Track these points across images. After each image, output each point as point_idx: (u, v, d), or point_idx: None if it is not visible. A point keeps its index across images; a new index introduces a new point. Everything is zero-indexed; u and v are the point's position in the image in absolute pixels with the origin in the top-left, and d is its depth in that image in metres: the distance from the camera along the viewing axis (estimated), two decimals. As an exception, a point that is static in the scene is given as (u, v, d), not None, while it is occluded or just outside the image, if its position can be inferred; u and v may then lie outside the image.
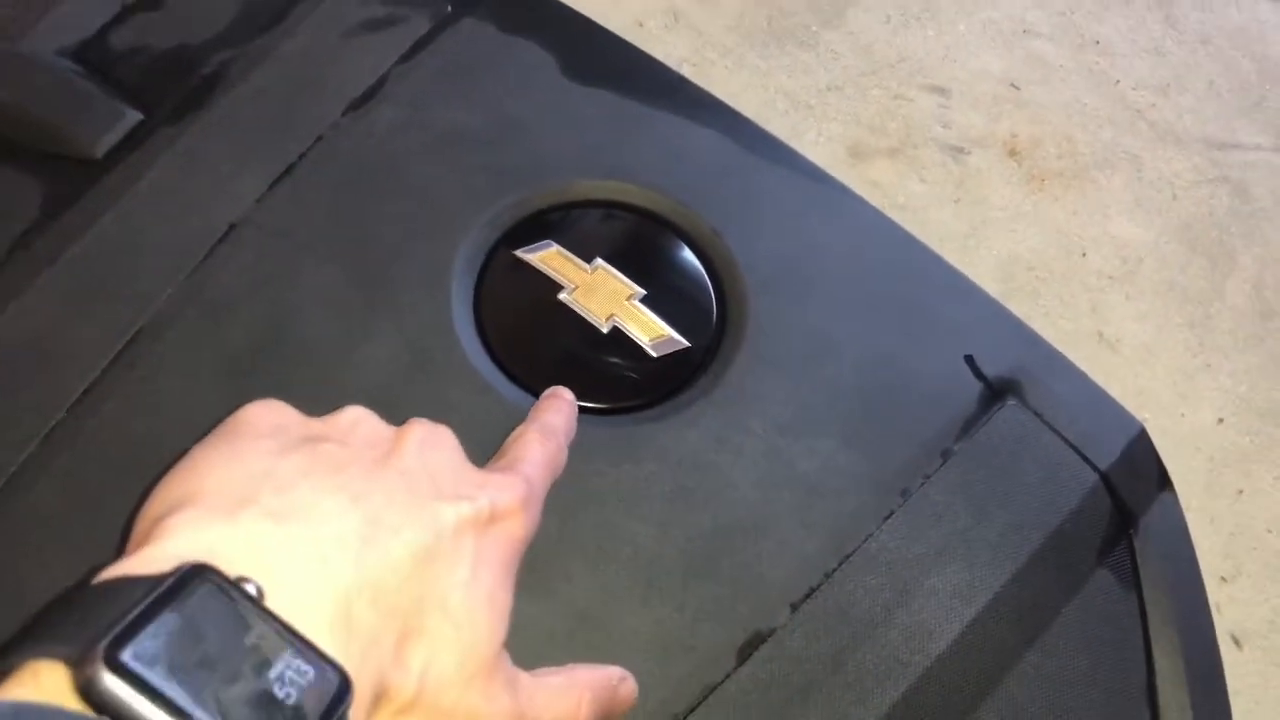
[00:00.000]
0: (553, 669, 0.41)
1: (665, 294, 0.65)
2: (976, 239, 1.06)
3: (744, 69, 1.13)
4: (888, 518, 0.59)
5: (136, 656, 0.27)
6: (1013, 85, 1.17)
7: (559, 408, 0.52)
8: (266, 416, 0.39)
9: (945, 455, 0.62)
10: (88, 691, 0.26)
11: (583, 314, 0.63)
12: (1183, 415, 0.96)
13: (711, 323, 0.65)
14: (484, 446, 0.58)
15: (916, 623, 0.57)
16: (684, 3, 1.20)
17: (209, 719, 0.26)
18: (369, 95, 0.69)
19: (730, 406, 0.61)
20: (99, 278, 0.62)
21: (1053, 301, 1.04)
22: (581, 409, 0.60)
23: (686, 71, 0.74)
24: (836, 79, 1.14)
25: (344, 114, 0.68)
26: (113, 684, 0.26)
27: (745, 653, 0.55)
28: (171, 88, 0.70)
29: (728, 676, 0.54)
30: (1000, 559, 0.59)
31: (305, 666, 0.29)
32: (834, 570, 0.57)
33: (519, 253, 0.65)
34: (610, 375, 0.62)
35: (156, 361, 0.59)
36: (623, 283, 0.64)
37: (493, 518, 0.38)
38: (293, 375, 0.60)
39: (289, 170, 0.65)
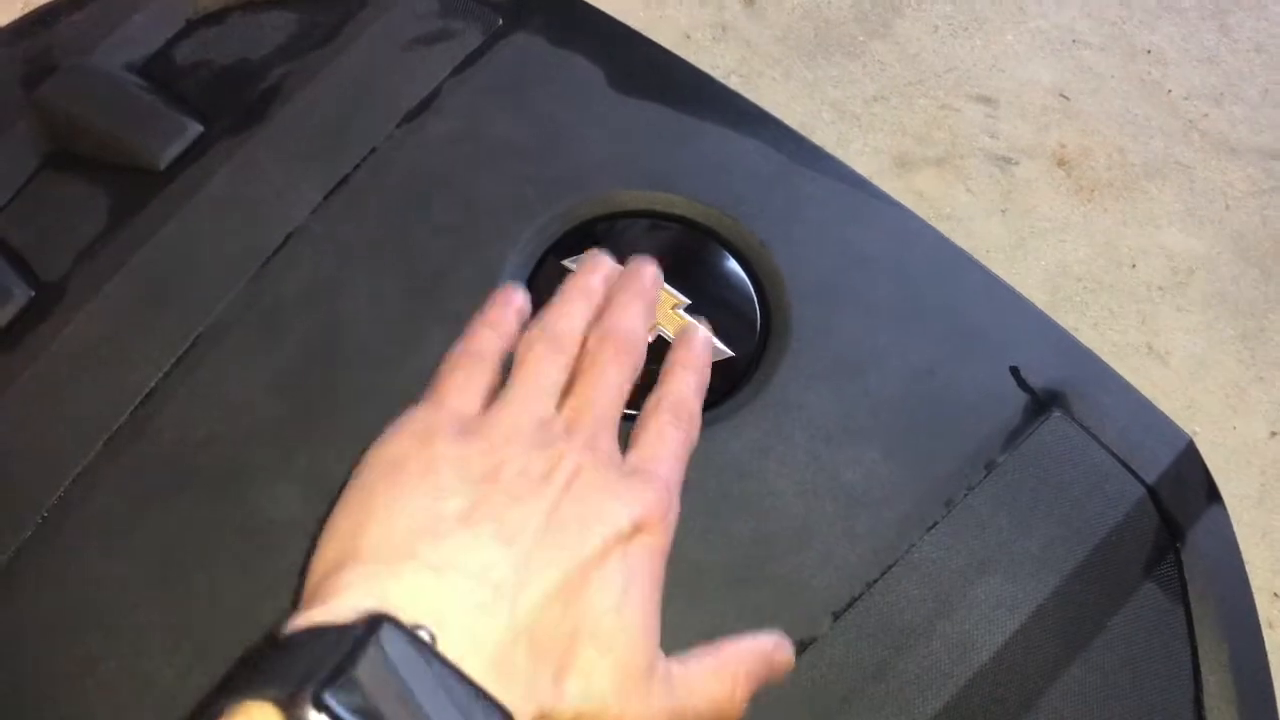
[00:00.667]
0: (703, 648, 0.42)
1: (710, 303, 0.65)
2: (1024, 250, 1.05)
3: (791, 80, 1.14)
4: (931, 528, 0.59)
5: (340, 699, 0.29)
6: (1062, 95, 1.16)
7: (690, 363, 0.48)
8: (426, 451, 0.40)
9: (989, 467, 0.61)
10: None
11: None
12: (1234, 428, 0.95)
13: (755, 332, 0.65)
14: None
15: (959, 634, 0.57)
16: (731, 15, 1.20)
17: None
18: (422, 108, 0.70)
19: (774, 415, 0.61)
20: (161, 285, 0.64)
21: (1101, 313, 1.03)
22: (627, 417, 0.61)
23: (734, 83, 0.75)
24: (883, 89, 1.14)
25: (398, 126, 0.69)
26: None
27: (787, 660, 0.55)
28: (232, 101, 0.72)
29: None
30: (1044, 572, 0.59)
31: (484, 711, 0.31)
32: (876, 580, 0.57)
33: (566, 262, 0.66)
34: (654, 383, 0.63)
35: (215, 367, 0.61)
36: (668, 292, 0.65)
37: (635, 533, 0.39)
38: (346, 382, 0.61)
39: (344, 181, 0.67)
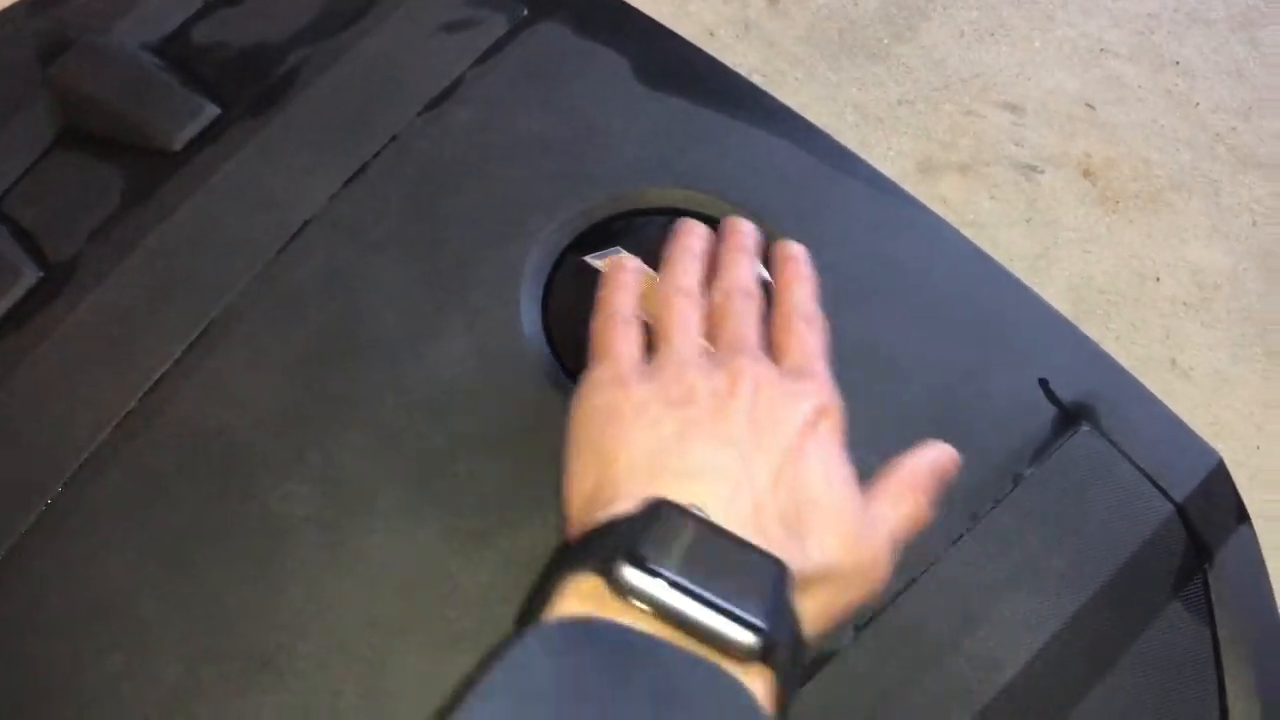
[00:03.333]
0: (882, 477, 0.50)
1: (734, 305, 0.64)
2: (1047, 260, 1.04)
3: (814, 80, 1.12)
4: (956, 541, 0.58)
5: (650, 557, 0.37)
6: (1088, 105, 1.14)
7: (800, 274, 0.56)
8: (629, 393, 0.47)
9: (1016, 480, 0.60)
10: (625, 588, 0.36)
11: (649, 321, 0.62)
12: (1258, 448, 0.93)
13: (780, 335, 0.64)
14: (549, 447, 0.58)
15: (983, 650, 0.55)
16: (755, 13, 1.19)
17: (721, 599, 0.36)
18: (444, 96, 0.69)
19: (797, 421, 0.60)
20: (174, 269, 0.63)
21: (1124, 326, 1.01)
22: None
23: (756, 81, 0.73)
24: (908, 93, 1.13)
25: (419, 114, 0.68)
26: (639, 579, 0.36)
27: (807, 672, 0.54)
28: (249, 83, 0.71)
29: (788, 696, 0.53)
30: (1070, 589, 0.58)
31: (759, 559, 0.39)
32: (900, 593, 0.56)
33: (588, 258, 0.65)
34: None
35: (228, 353, 0.60)
36: (691, 292, 0.64)
37: (818, 419, 0.47)
38: (360, 374, 0.60)
39: (363, 169, 0.66)
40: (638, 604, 0.36)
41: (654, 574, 0.36)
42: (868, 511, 0.47)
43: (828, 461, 0.46)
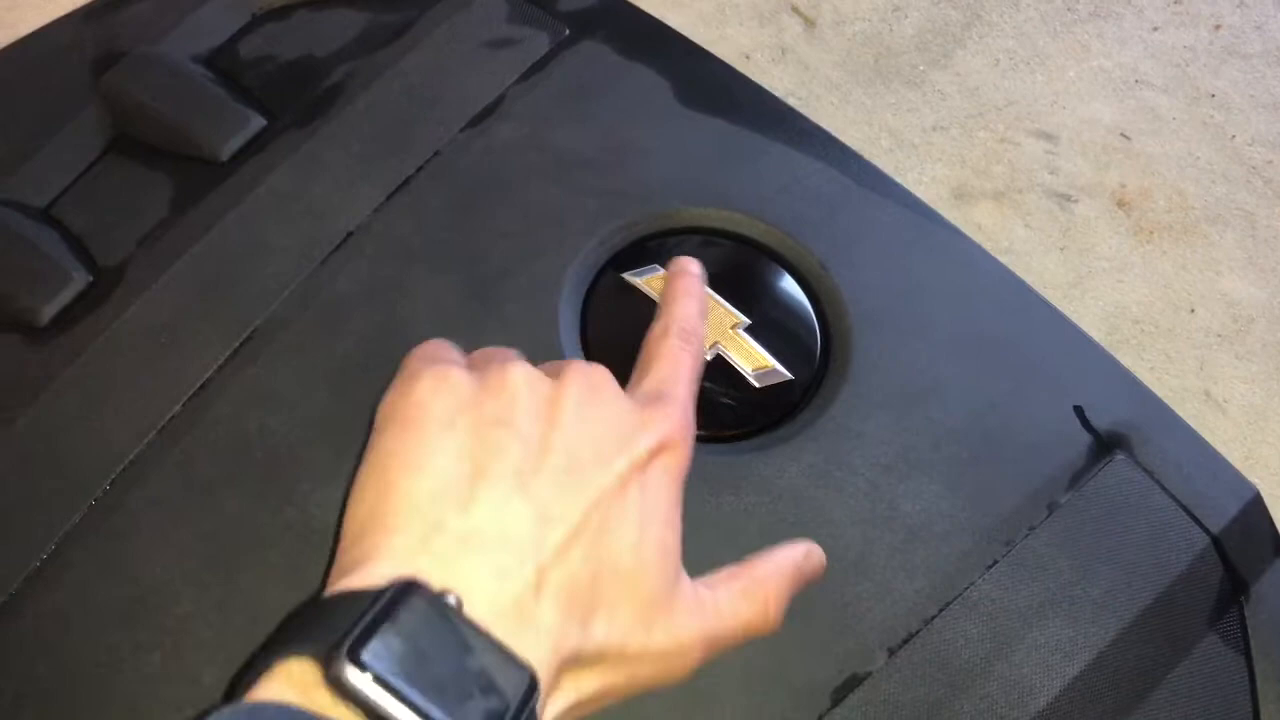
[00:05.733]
0: (733, 568, 0.43)
1: (769, 325, 0.64)
2: (1081, 289, 1.04)
3: (849, 105, 1.13)
4: (990, 567, 0.58)
5: (373, 655, 0.32)
6: (1123, 135, 1.14)
7: (690, 290, 0.50)
8: (437, 394, 0.41)
9: (1051, 507, 0.60)
10: (336, 683, 0.31)
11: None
12: (1293, 483, 0.93)
13: (815, 356, 0.64)
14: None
15: (1016, 677, 0.55)
16: (791, 38, 1.20)
17: (431, 705, 0.32)
18: (487, 113, 0.70)
19: (832, 442, 0.60)
20: (219, 276, 0.64)
21: (1158, 357, 1.01)
22: (707, 438, 0.60)
23: (791, 105, 0.74)
24: (943, 119, 1.13)
25: (462, 130, 0.69)
26: (355, 677, 0.31)
27: (839, 695, 0.53)
28: (295, 96, 0.72)
29: (820, 718, 0.53)
30: (1104, 617, 0.58)
31: (505, 668, 0.34)
32: (934, 617, 0.56)
33: (626, 275, 0.65)
34: (712, 403, 0.62)
35: (270, 360, 0.61)
36: (728, 310, 0.64)
37: (652, 457, 0.40)
38: (399, 383, 0.60)
39: (406, 182, 0.67)
40: (348, 705, 0.32)
41: (377, 679, 0.32)
42: (698, 594, 0.41)
43: (648, 513, 0.39)
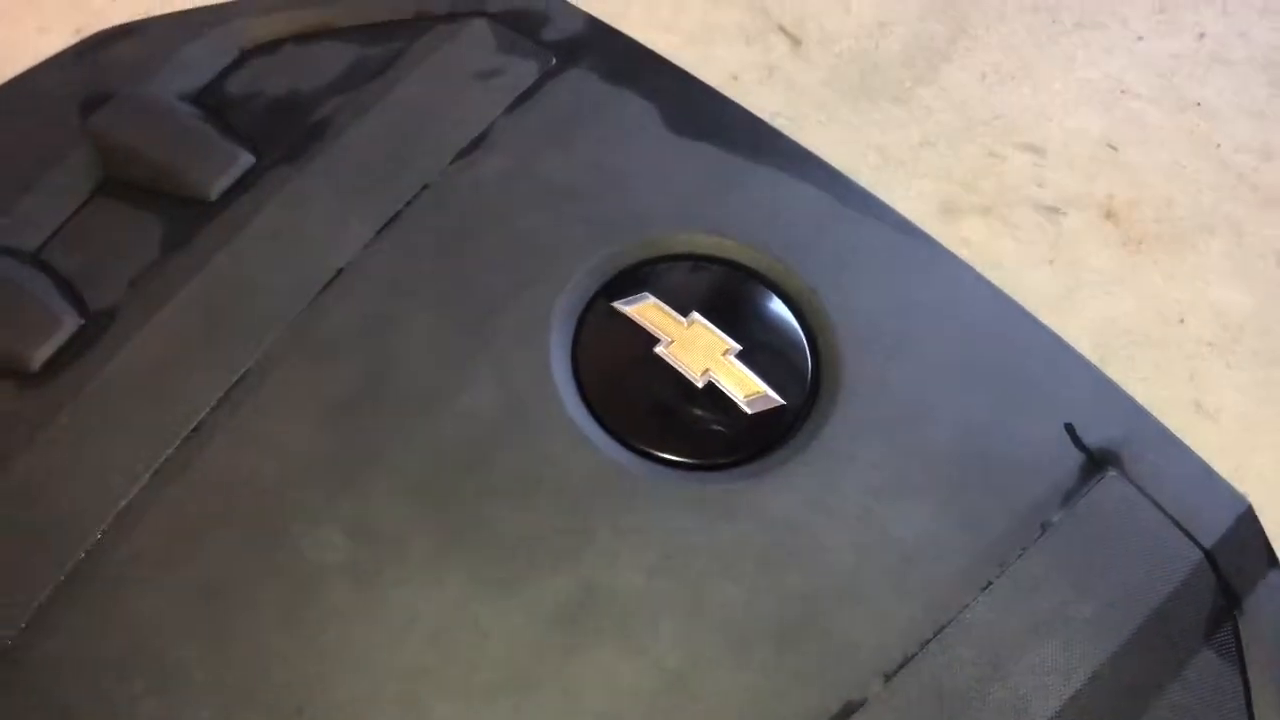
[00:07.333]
0: None
1: (760, 350, 0.65)
2: (1070, 301, 1.04)
3: (836, 123, 1.13)
4: (984, 589, 0.58)
5: None
6: (1110, 146, 1.15)
7: None
8: None
9: (1044, 526, 0.60)
10: None
11: (678, 367, 0.63)
12: (1285, 491, 0.93)
13: (806, 381, 0.64)
14: (576, 495, 0.58)
15: (1013, 700, 0.55)
16: (778, 57, 1.20)
17: None
18: (475, 145, 0.70)
19: (824, 467, 0.60)
20: (210, 318, 0.64)
21: (1148, 368, 1.01)
22: (676, 464, 0.61)
23: (779, 125, 0.74)
24: (929, 135, 1.13)
25: (450, 163, 0.69)
26: None
27: (837, 722, 0.54)
28: (284, 133, 0.72)
29: (818, 746, 0.53)
30: (1099, 636, 0.58)
31: None
32: (928, 641, 0.56)
33: (617, 304, 0.65)
34: (705, 430, 0.62)
35: (263, 401, 0.61)
36: (718, 337, 0.64)
37: None
38: (392, 422, 0.61)
39: (396, 217, 0.67)
40: None
41: None
42: None
43: None
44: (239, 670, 0.54)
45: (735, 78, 1.14)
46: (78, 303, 0.65)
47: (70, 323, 0.64)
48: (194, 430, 0.60)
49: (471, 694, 0.54)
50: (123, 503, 0.57)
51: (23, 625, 0.55)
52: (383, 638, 0.55)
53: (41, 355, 0.63)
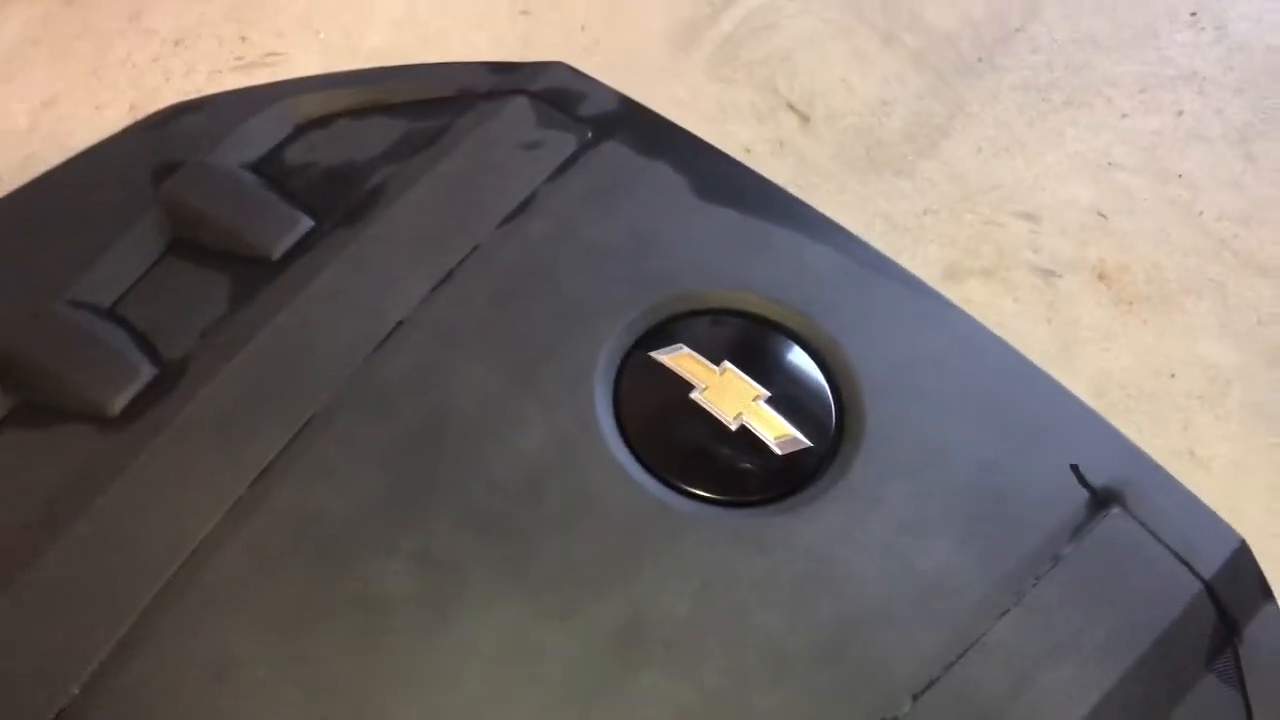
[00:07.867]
0: None
1: (788, 396, 0.69)
2: (1068, 356, 1.10)
3: (845, 193, 1.20)
4: (1002, 615, 0.62)
5: None
6: (1100, 214, 1.22)
7: None
8: None
9: (1055, 559, 0.64)
10: None
11: (713, 412, 0.68)
12: (1276, 535, 0.98)
13: (831, 425, 0.69)
14: (622, 529, 0.63)
15: (1029, 717, 0.59)
16: (788, 132, 1.28)
17: None
18: (520, 210, 0.76)
19: (852, 504, 0.65)
20: (277, 367, 0.68)
21: (1144, 419, 1.07)
22: (713, 500, 0.65)
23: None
24: (932, 204, 1.20)
25: (498, 226, 0.75)
26: None
27: (871, 737, 0.57)
28: (340, 198, 0.78)
29: (855, 758, 0.57)
30: (1108, 660, 0.62)
31: None
32: (953, 663, 0.60)
33: (654, 354, 0.70)
34: (739, 469, 0.67)
35: (328, 444, 0.65)
36: (749, 384, 0.69)
37: None
38: (449, 463, 0.65)
39: (449, 275, 0.72)
40: None
41: None
42: None
43: None
44: (315, 694, 0.57)
45: (748, 150, 1.22)
46: (152, 353, 0.70)
47: (146, 371, 0.69)
48: (264, 471, 0.64)
49: (533, 713, 0.57)
50: (200, 537, 0.61)
51: (108, 653, 0.58)
52: (448, 662, 0.59)
53: (120, 402, 0.68)
